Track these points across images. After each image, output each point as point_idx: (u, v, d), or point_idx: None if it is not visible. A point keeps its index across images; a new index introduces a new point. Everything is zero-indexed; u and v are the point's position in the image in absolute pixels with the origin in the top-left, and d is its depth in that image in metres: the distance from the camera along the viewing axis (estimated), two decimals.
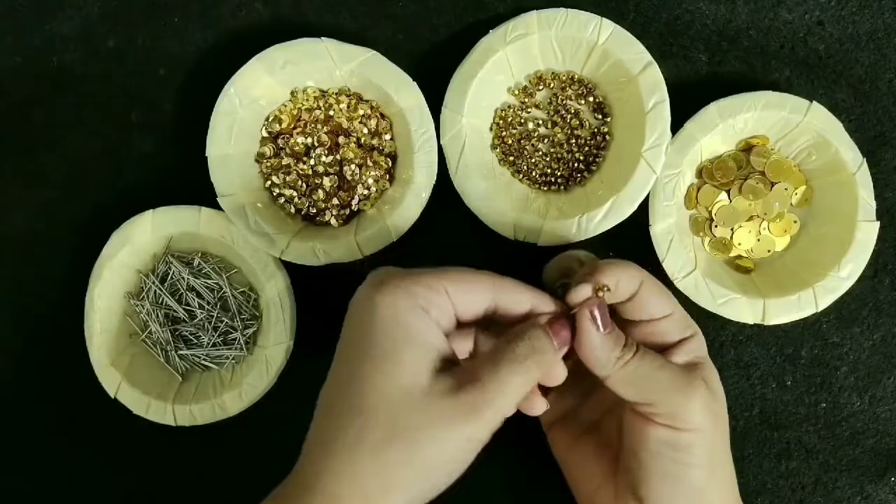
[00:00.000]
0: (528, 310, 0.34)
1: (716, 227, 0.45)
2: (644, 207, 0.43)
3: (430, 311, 0.31)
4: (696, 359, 0.36)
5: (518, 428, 0.46)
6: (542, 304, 0.34)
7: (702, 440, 0.34)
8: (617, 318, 0.36)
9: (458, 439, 0.30)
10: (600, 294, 0.34)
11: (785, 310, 0.43)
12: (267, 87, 0.45)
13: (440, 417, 0.29)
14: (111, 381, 0.45)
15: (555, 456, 0.41)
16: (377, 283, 0.31)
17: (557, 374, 0.35)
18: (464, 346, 0.37)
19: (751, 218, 0.45)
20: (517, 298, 0.34)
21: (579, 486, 0.39)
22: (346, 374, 0.31)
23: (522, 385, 0.31)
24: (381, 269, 0.32)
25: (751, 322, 0.43)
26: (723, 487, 0.35)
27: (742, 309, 0.43)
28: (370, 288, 0.31)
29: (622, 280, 0.35)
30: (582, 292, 0.34)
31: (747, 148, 0.45)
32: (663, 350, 0.36)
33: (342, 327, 0.33)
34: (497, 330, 0.36)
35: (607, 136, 0.46)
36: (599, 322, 0.34)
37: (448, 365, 0.31)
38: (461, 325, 0.34)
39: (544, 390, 0.36)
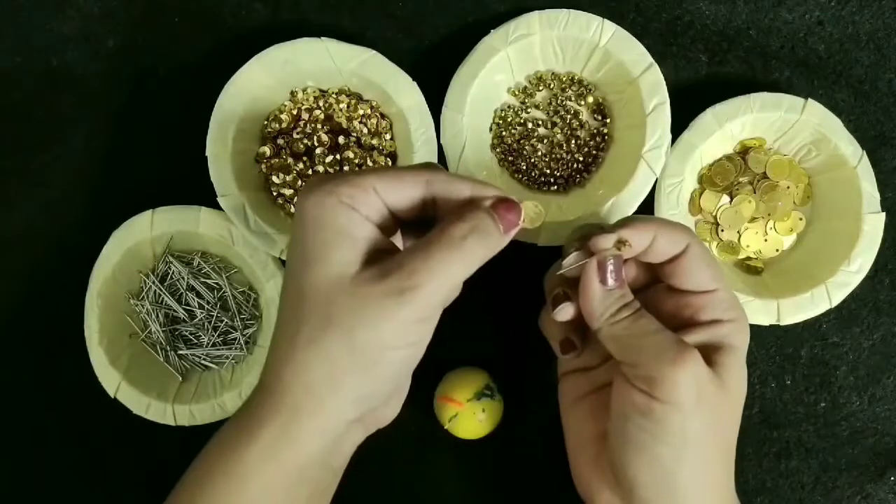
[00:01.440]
0: (468, 197, 0.33)
1: (722, 231, 0.45)
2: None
3: (357, 207, 0.31)
4: (718, 342, 0.34)
5: (517, 429, 0.46)
6: (485, 190, 0.33)
7: (676, 417, 0.32)
8: (661, 289, 0.36)
9: (392, 321, 0.29)
10: (620, 248, 0.34)
11: (799, 308, 0.43)
12: (267, 87, 0.45)
13: (370, 301, 0.29)
14: (111, 381, 0.45)
15: (560, 407, 0.40)
16: (307, 189, 0.31)
17: (569, 311, 0.35)
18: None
19: (756, 219, 0.45)
20: (455, 187, 0.32)
21: (570, 442, 0.38)
22: (287, 276, 0.32)
23: (459, 267, 0.31)
24: (314, 177, 0.32)
25: (766, 324, 0.43)
26: (700, 476, 0.33)
27: (756, 311, 0.43)
28: (301, 195, 0.31)
29: (661, 240, 0.34)
30: (601, 242, 0.34)
31: (744, 150, 0.45)
32: (689, 325, 0.35)
33: None
34: None
35: (607, 137, 0.46)
36: (608, 275, 0.33)
37: (383, 254, 0.31)
38: (404, 221, 0.34)
39: (569, 346, 0.37)
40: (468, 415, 0.42)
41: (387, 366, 0.31)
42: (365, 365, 0.30)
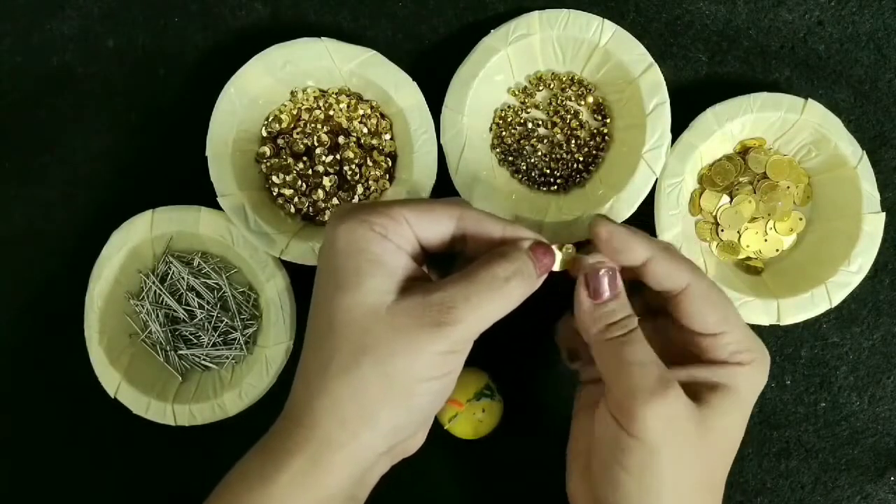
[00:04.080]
0: (500, 237, 0.33)
1: (722, 231, 0.45)
2: (650, 218, 0.43)
3: (390, 236, 0.31)
4: (716, 383, 0.33)
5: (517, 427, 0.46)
6: (517, 231, 0.33)
7: (642, 453, 0.31)
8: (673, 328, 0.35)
9: (428, 354, 0.29)
10: (566, 250, 0.33)
11: (799, 308, 0.43)
12: (267, 87, 0.45)
13: (407, 332, 0.29)
14: (111, 381, 0.45)
15: (574, 407, 0.39)
16: (337, 218, 0.31)
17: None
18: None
19: (756, 219, 0.45)
20: (487, 226, 0.32)
21: (568, 449, 0.38)
22: (317, 304, 0.32)
23: (499, 307, 0.31)
24: (343, 205, 0.32)
25: (766, 324, 0.43)
26: None
27: (756, 311, 0.43)
28: (331, 223, 0.31)
29: (657, 266, 0.33)
30: (586, 260, 0.34)
31: (744, 150, 0.45)
32: (695, 361, 0.34)
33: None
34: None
35: (607, 137, 0.46)
36: (601, 287, 0.33)
37: (417, 283, 0.31)
38: (431, 254, 0.34)
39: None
40: (468, 415, 0.42)
41: (420, 397, 0.30)
42: (399, 397, 0.30)
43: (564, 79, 0.46)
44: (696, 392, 0.33)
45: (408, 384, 0.30)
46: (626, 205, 0.43)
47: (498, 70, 0.45)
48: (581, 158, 0.46)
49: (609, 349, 0.32)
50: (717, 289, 0.34)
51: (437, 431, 0.44)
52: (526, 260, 0.32)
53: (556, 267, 0.34)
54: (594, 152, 0.46)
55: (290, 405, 0.32)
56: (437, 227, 0.32)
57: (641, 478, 0.31)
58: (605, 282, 0.33)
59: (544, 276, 0.33)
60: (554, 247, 0.33)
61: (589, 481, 0.35)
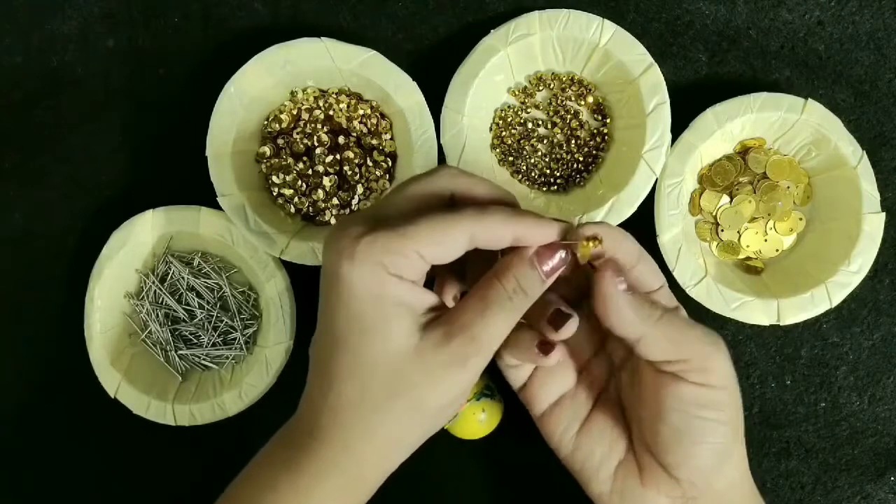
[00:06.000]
0: (510, 241, 0.32)
1: (722, 231, 0.45)
2: (650, 218, 0.43)
3: (405, 275, 0.31)
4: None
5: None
6: (527, 232, 0.32)
7: (730, 397, 0.34)
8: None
9: (455, 385, 0.31)
10: (593, 244, 0.32)
11: (799, 308, 0.43)
12: (267, 87, 0.45)
13: (436, 370, 0.31)
14: (111, 381, 0.45)
15: (556, 444, 0.38)
16: (347, 255, 0.30)
17: (555, 355, 0.34)
18: (451, 289, 0.37)
19: (756, 219, 0.45)
20: (497, 235, 0.32)
21: (597, 472, 0.37)
22: (338, 341, 0.32)
23: (510, 324, 0.32)
24: (343, 234, 0.31)
25: (766, 324, 0.43)
26: (742, 450, 0.35)
27: (756, 311, 0.43)
28: (341, 259, 0.30)
29: (621, 251, 0.34)
30: (588, 230, 0.33)
31: (744, 150, 0.45)
32: None
33: (321, 286, 0.32)
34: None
35: (607, 137, 0.46)
36: (625, 281, 0.33)
37: (435, 314, 0.32)
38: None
39: (548, 347, 0.35)
40: (468, 415, 0.42)
41: (444, 418, 0.33)
42: (431, 426, 0.33)
43: (564, 79, 0.46)
44: None
45: (438, 414, 0.32)
46: (626, 204, 0.43)
47: (498, 70, 0.45)
48: (581, 158, 0.46)
49: (665, 328, 0.33)
50: (645, 251, 0.36)
51: (438, 431, 0.44)
52: (527, 271, 0.32)
53: (578, 260, 0.33)
54: (594, 152, 0.46)
55: (312, 425, 0.33)
56: (449, 253, 0.32)
57: (736, 422, 0.34)
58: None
59: (554, 276, 0.33)
60: (578, 239, 0.33)
61: (653, 475, 0.35)
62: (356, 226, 0.31)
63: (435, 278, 0.36)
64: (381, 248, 0.30)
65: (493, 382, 0.44)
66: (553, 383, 0.38)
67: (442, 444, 0.45)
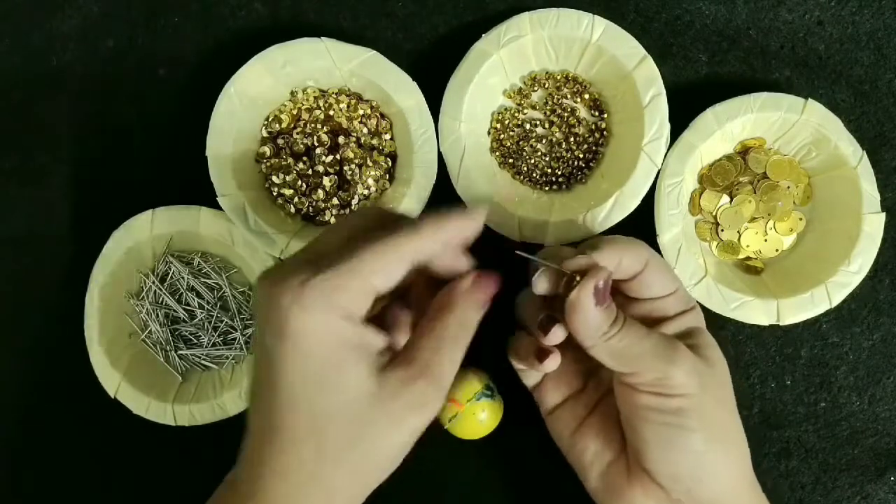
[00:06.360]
0: (446, 245, 0.32)
1: (722, 230, 0.45)
2: (650, 218, 0.43)
3: (355, 312, 0.30)
4: (691, 328, 0.37)
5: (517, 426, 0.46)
6: (458, 228, 0.32)
7: (692, 404, 0.34)
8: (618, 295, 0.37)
9: (414, 429, 0.31)
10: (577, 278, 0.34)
11: (799, 308, 0.43)
12: (267, 87, 0.45)
13: (396, 413, 0.30)
14: (111, 381, 0.45)
15: (558, 441, 0.41)
16: (296, 306, 0.28)
17: (550, 361, 0.36)
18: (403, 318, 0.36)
19: (756, 219, 0.45)
20: (432, 246, 0.31)
21: (590, 469, 0.38)
22: (290, 400, 0.30)
23: (461, 357, 0.32)
24: (284, 284, 0.29)
25: (766, 324, 0.43)
26: (726, 451, 0.35)
27: (756, 311, 0.43)
28: (290, 311, 0.28)
29: (625, 260, 0.35)
30: (580, 261, 0.34)
31: (744, 150, 0.45)
32: (659, 321, 0.37)
33: (258, 342, 0.30)
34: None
35: (605, 133, 0.46)
36: (604, 296, 0.34)
37: (390, 354, 0.31)
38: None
39: (544, 354, 0.37)
40: (468, 415, 0.42)
41: (395, 465, 0.32)
42: (381, 470, 0.31)
43: (559, 77, 0.46)
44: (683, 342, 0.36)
45: (390, 461, 0.31)
46: (629, 198, 0.43)
47: (492, 73, 0.45)
48: (581, 155, 0.46)
49: (618, 341, 0.34)
50: (659, 256, 0.37)
51: (438, 432, 0.44)
52: (468, 306, 0.32)
53: (543, 290, 0.35)
54: (594, 148, 0.46)
55: (257, 489, 0.30)
56: (395, 278, 0.31)
57: (703, 427, 0.34)
58: (608, 287, 0.34)
59: (488, 305, 0.33)
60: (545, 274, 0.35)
61: (640, 479, 0.36)
62: (296, 272, 0.29)
63: (384, 309, 0.35)
64: (331, 288, 0.28)
65: (493, 382, 0.44)
66: (561, 385, 0.40)
67: (442, 444, 0.45)
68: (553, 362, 0.37)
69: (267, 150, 0.46)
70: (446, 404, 0.43)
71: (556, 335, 0.36)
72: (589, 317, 0.34)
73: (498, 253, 0.36)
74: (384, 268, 0.30)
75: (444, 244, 0.32)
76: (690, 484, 0.34)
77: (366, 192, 0.45)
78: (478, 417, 0.42)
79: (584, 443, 0.39)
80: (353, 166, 0.45)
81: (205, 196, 0.45)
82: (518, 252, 0.36)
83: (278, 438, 0.30)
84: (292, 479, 0.30)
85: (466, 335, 0.32)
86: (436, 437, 0.45)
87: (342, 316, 0.29)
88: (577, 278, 0.34)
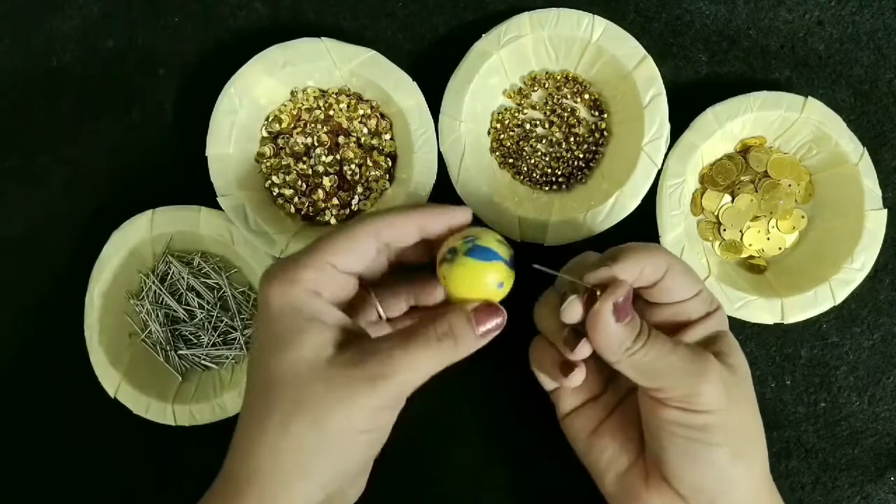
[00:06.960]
0: (418, 234, 0.34)
1: (724, 230, 0.45)
2: (652, 219, 0.43)
3: (322, 291, 0.32)
4: (716, 332, 0.36)
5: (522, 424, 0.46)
6: (430, 220, 0.34)
7: (719, 420, 0.33)
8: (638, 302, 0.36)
9: (363, 407, 0.31)
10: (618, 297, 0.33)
11: (803, 306, 0.43)
12: (267, 87, 0.45)
13: (343, 386, 0.30)
14: (111, 380, 0.45)
15: (573, 443, 0.40)
16: (269, 279, 0.32)
17: (576, 376, 0.35)
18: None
19: (758, 218, 0.45)
20: (402, 230, 0.34)
21: (606, 473, 0.38)
22: (255, 364, 0.33)
23: (432, 365, 0.32)
24: (272, 265, 0.33)
25: (770, 322, 0.43)
26: (750, 464, 0.35)
27: (760, 310, 0.43)
28: (263, 285, 0.32)
29: (647, 269, 0.34)
30: (601, 274, 0.33)
31: (745, 149, 0.45)
32: (683, 326, 0.36)
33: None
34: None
35: (605, 132, 0.46)
36: (625, 312, 0.33)
37: (354, 338, 0.32)
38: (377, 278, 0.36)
39: (568, 367, 0.36)
40: (478, 270, 0.33)
41: (355, 448, 0.32)
42: (334, 448, 0.31)
43: (559, 77, 0.46)
44: (707, 347, 0.35)
45: (343, 437, 0.31)
46: (629, 198, 0.43)
47: (492, 73, 0.45)
48: (581, 155, 0.46)
49: (643, 356, 0.33)
50: (680, 259, 0.36)
51: (439, 426, 0.43)
52: (461, 322, 0.32)
53: (575, 319, 0.34)
54: (594, 148, 0.46)
55: (228, 462, 0.33)
56: (361, 256, 0.33)
57: (728, 443, 0.33)
58: (626, 303, 0.33)
59: (489, 336, 0.33)
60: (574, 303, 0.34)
61: (657, 486, 0.35)
62: (286, 259, 0.33)
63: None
64: (297, 265, 0.32)
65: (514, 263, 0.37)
66: (581, 389, 0.39)
67: (442, 440, 0.45)
68: (578, 377, 0.36)
69: (267, 150, 0.46)
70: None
71: (583, 351, 0.34)
72: (611, 333, 0.33)
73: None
74: (344, 246, 0.33)
75: (418, 229, 0.34)
76: (713, 495, 0.34)
77: (366, 192, 0.45)
78: (488, 277, 0.33)
79: (601, 446, 0.38)
80: (353, 166, 0.45)
81: (205, 196, 0.45)
82: (535, 265, 0.35)
83: (248, 396, 0.33)
84: (248, 434, 0.32)
85: (445, 348, 0.32)
86: (437, 431, 0.45)
87: (304, 290, 0.32)
88: (598, 293, 0.33)
